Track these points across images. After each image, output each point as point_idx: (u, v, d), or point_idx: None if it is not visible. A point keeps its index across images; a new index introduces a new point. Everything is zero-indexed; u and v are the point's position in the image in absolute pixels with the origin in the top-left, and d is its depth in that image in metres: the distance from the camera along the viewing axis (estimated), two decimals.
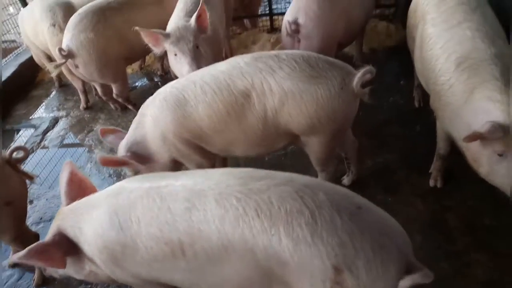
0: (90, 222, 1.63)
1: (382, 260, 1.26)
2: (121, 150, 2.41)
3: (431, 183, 2.68)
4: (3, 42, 5.22)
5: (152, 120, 2.30)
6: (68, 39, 3.28)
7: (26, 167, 3.45)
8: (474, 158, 2.03)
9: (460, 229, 2.38)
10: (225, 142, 2.32)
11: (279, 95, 2.08)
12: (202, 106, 2.18)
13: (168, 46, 2.79)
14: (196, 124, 2.23)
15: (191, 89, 2.22)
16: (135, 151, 2.36)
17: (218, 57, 3.35)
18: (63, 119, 4.23)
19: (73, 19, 3.35)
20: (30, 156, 3.62)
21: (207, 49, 2.93)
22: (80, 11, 3.40)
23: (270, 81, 2.08)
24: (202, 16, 2.78)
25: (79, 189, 1.85)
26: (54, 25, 3.64)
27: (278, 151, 2.68)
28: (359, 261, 1.25)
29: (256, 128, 2.21)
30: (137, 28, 2.66)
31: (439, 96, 2.27)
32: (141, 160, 2.34)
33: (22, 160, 2.21)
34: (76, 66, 3.37)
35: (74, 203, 1.75)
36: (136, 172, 2.44)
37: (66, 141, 3.90)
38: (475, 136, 1.85)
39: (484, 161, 1.96)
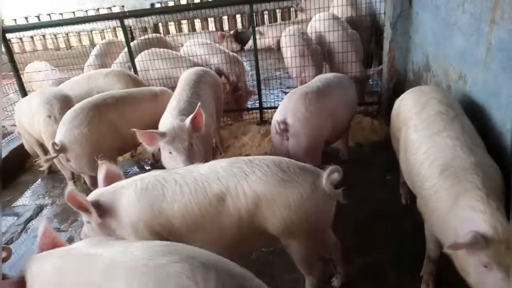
0: None
1: None
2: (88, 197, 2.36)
3: (423, 287, 2.61)
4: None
5: (128, 203, 2.29)
6: (62, 134, 3.34)
7: None
8: (461, 267, 2.01)
9: None
10: (200, 240, 2.27)
11: (252, 198, 2.17)
12: (177, 205, 2.23)
13: (163, 144, 2.89)
14: (169, 221, 2.26)
15: (171, 186, 2.28)
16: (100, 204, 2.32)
17: (208, 150, 3.45)
18: (48, 207, 4.15)
19: (69, 114, 3.45)
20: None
21: (199, 145, 3.07)
22: (76, 107, 3.52)
23: (243, 184, 2.19)
24: (197, 118, 2.93)
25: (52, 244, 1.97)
26: (50, 117, 3.75)
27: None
28: None
29: (231, 231, 2.25)
30: (133, 129, 2.76)
31: (425, 201, 2.31)
32: (101, 213, 2.28)
33: (5, 260, 2.13)
34: (68, 160, 3.40)
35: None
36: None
37: None
38: (457, 247, 1.86)
39: (471, 271, 1.93)
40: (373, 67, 5.49)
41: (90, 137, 3.32)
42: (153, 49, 5.48)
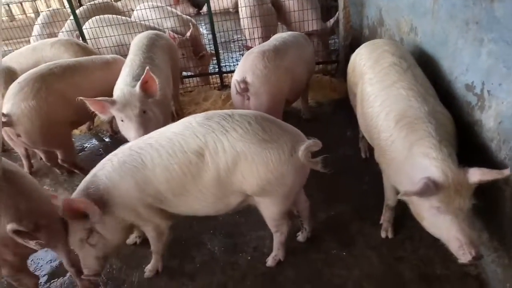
0: None
1: None
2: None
3: (383, 234, 2.75)
4: None
5: (111, 185, 2.23)
6: (8, 108, 3.15)
7: None
8: (416, 212, 2.12)
9: (414, 281, 2.43)
10: (185, 203, 2.33)
11: (231, 155, 2.12)
12: (159, 169, 2.19)
13: (115, 112, 2.77)
14: (156, 189, 2.23)
15: (148, 152, 2.23)
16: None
17: (167, 117, 3.37)
18: None
19: (13, 88, 3.23)
20: None
21: (156, 111, 2.95)
22: (20, 79, 3.30)
23: (223, 140, 2.13)
24: (149, 82, 2.81)
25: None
26: None
27: (234, 210, 2.68)
28: None
29: (211, 187, 2.22)
30: (81, 98, 2.63)
31: (383, 152, 2.38)
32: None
33: None
34: (18, 135, 3.21)
35: None
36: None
37: None
38: (409, 194, 1.94)
39: (425, 215, 2.05)
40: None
41: (39, 110, 3.14)
42: (102, 15, 5.19)
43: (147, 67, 2.84)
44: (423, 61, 2.75)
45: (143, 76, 2.80)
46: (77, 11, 5.23)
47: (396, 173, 2.29)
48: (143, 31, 4.21)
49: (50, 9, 6.65)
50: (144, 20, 5.32)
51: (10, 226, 1.94)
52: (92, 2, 6.27)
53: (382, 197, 2.71)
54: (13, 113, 3.12)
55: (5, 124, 3.09)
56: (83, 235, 2.26)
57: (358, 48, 3.04)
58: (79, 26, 4.89)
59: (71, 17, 5.21)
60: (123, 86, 2.98)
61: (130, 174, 2.21)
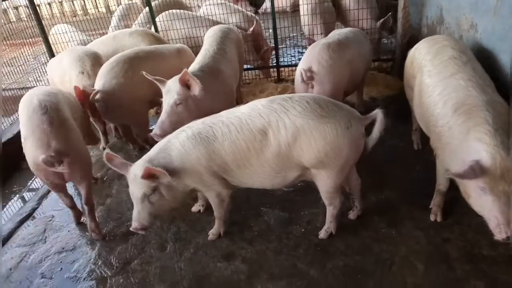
0: None
1: None
2: (139, 167, 2.51)
3: (432, 217, 2.88)
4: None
5: (184, 151, 2.54)
6: (100, 84, 3.61)
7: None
8: (464, 190, 2.29)
9: (460, 260, 2.56)
10: (246, 175, 2.61)
11: (291, 131, 2.39)
12: (227, 143, 2.49)
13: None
14: (222, 159, 2.53)
15: (220, 127, 2.53)
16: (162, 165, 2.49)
17: (231, 105, 3.67)
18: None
19: (105, 67, 3.72)
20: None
21: (194, 109, 3.08)
22: (111, 60, 3.78)
23: (284, 118, 2.41)
24: (189, 81, 2.97)
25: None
26: (82, 73, 4.00)
27: (290, 185, 2.92)
28: None
29: (272, 162, 2.50)
30: (143, 72, 3.05)
31: (439, 137, 2.52)
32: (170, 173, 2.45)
33: None
34: (106, 108, 3.68)
35: None
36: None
37: None
38: (455, 175, 2.14)
39: (471, 193, 2.22)
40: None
41: (126, 87, 3.60)
42: (172, 10, 5.64)
43: (184, 69, 2.94)
44: (482, 56, 2.86)
45: (179, 76, 2.95)
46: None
47: (450, 157, 2.42)
48: (211, 25, 4.59)
49: (126, 2, 7.25)
50: (210, 15, 5.71)
51: (40, 157, 2.69)
52: None
53: (433, 184, 2.85)
54: (105, 89, 3.58)
55: (96, 100, 3.56)
56: (148, 191, 2.52)
57: (417, 44, 3.19)
58: (153, 18, 5.35)
59: (144, 10, 5.72)
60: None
61: (203, 143, 2.52)
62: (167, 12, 5.56)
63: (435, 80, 2.71)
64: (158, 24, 5.37)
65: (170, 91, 3.03)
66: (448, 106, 2.48)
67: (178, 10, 5.63)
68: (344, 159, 2.47)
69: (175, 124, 2.93)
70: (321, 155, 2.41)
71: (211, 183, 2.65)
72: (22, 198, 4.12)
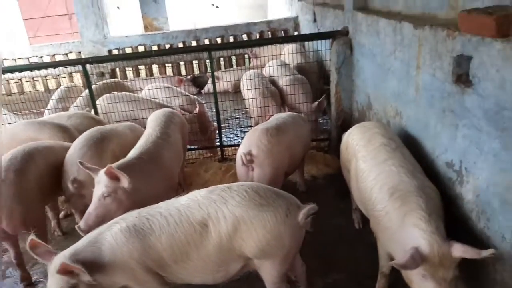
0: None
1: None
2: (59, 261, 2.28)
3: None
4: None
5: (116, 245, 2.36)
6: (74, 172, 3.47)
7: None
8: (406, 276, 2.35)
9: None
10: (184, 270, 2.48)
11: (231, 221, 2.36)
12: (164, 236, 2.38)
13: None
14: (159, 254, 2.39)
15: (158, 219, 2.42)
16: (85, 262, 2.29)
17: (173, 188, 3.62)
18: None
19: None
20: None
21: (124, 200, 2.96)
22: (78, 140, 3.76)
23: (223, 209, 2.39)
24: (109, 173, 2.89)
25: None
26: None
27: (233, 277, 2.81)
28: None
29: (213, 255, 2.41)
30: (80, 161, 3.09)
31: (378, 221, 2.63)
32: (90, 271, 2.24)
33: None
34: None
35: None
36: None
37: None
38: (398, 266, 2.20)
39: (413, 279, 2.28)
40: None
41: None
42: (114, 92, 5.65)
43: (108, 165, 2.88)
44: (408, 142, 3.13)
45: (104, 170, 2.88)
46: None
47: (390, 241, 2.52)
48: (154, 108, 4.63)
49: (66, 85, 7.15)
50: (154, 98, 5.78)
51: None
52: (104, 81, 6.81)
53: (376, 265, 2.89)
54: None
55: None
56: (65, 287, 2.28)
57: (350, 129, 3.43)
58: (93, 101, 5.29)
59: (83, 92, 5.67)
60: (124, 159, 3.27)
61: (138, 237, 2.37)
62: (108, 94, 5.57)
63: (369, 165, 2.88)
64: (98, 107, 5.32)
65: (100, 182, 2.94)
66: (384, 191, 2.61)
67: (119, 92, 5.66)
68: (287, 247, 2.46)
69: (102, 217, 2.82)
70: (263, 244, 2.38)
71: (145, 280, 2.45)
72: None
